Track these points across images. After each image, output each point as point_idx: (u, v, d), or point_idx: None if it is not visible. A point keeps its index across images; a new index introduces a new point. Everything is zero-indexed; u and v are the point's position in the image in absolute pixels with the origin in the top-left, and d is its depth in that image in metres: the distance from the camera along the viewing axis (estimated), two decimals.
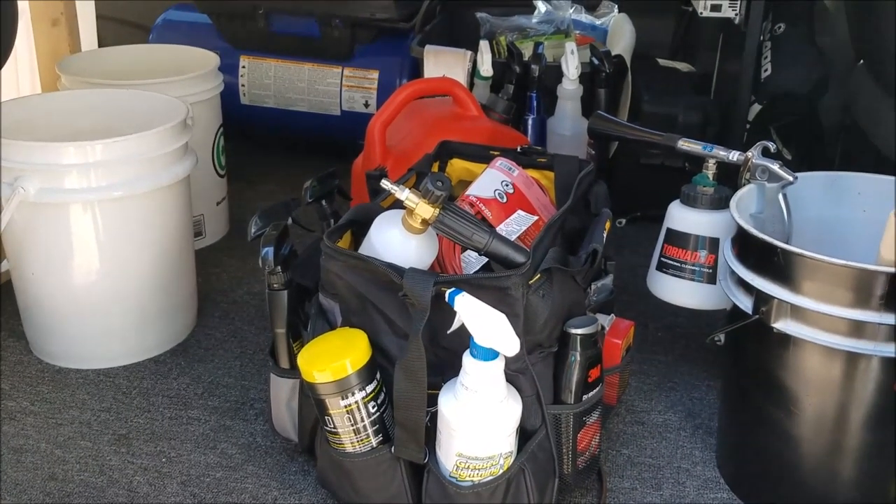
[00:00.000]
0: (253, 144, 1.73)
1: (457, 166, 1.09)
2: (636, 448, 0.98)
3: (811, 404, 0.82)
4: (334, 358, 0.81)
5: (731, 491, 0.92)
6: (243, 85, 1.64)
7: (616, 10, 1.64)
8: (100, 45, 1.83)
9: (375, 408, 0.83)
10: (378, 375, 0.84)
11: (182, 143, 1.12)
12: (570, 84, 1.35)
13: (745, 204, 0.91)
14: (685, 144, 1.01)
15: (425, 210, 0.81)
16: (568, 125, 1.37)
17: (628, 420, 1.03)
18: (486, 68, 1.38)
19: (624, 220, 1.43)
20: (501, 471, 0.80)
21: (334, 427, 0.84)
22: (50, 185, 1.03)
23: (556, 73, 1.36)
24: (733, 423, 0.93)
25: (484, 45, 1.39)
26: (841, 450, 0.82)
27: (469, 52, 1.41)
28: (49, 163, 1.03)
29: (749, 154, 0.93)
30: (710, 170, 1.00)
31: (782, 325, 0.80)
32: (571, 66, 1.34)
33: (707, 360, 1.12)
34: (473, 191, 0.98)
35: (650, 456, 0.97)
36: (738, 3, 1.38)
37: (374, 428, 0.83)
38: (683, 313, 1.10)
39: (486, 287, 0.79)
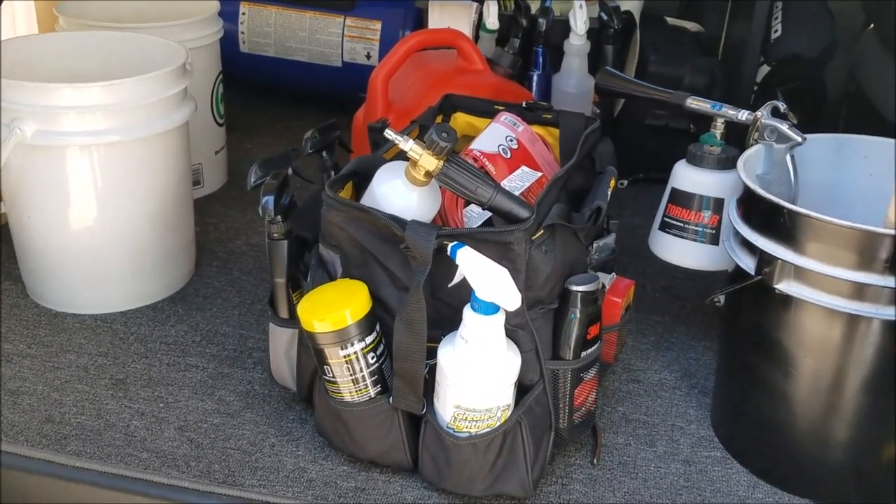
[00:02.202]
0: (252, 94, 1.71)
1: (460, 120, 1.08)
2: (631, 405, 0.99)
3: (809, 366, 0.83)
4: (334, 308, 0.81)
5: (725, 449, 0.93)
6: (243, 32, 1.61)
7: None
8: None
9: (374, 359, 0.83)
10: (378, 327, 0.83)
11: (181, 88, 1.10)
12: (578, 39, 1.33)
13: (751, 164, 0.90)
14: (694, 102, 1.00)
15: (429, 162, 0.80)
16: (574, 82, 1.35)
17: (624, 378, 1.03)
18: (491, 21, 1.36)
19: (626, 182, 1.42)
20: (498, 423, 0.81)
21: (333, 377, 0.84)
22: (47, 128, 1.02)
23: (563, 27, 1.34)
24: (729, 383, 0.93)
25: None
26: (836, 412, 0.83)
27: (475, 4, 1.38)
28: (46, 104, 1.01)
29: (758, 114, 0.92)
30: (718, 129, 0.99)
31: (785, 286, 0.80)
32: (579, 21, 1.31)
33: (704, 321, 1.12)
34: (477, 145, 0.97)
35: (645, 413, 0.98)
36: None
37: (373, 378, 0.84)
38: (682, 275, 1.10)
39: (488, 241, 0.78)
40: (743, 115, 0.95)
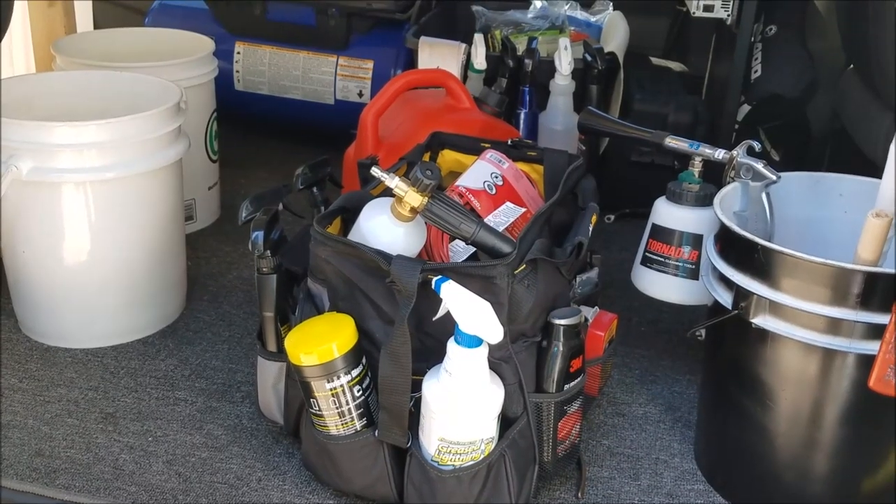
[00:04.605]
0: (246, 131, 1.74)
1: (448, 157, 1.10)
2: (616, 439, 1.00)
3: (787, 399, 0.84)
4: (321, 341, 0.83)
5: (707, 482, 0.94)
6: (238, 71, 1.64)
7: (611, 8, 1.65)
8: (95, 28, 1.83)
9: (360, 392, 0.84)
10: (364, 360, 0.85)
11: (175, 126, 1.13)
12: (563, 79, 1.36)
13: (728, 202, 0.92)
14: (672, 142, 1.03)
15: (414, 198, 0.82)
16: (559, 120, 1.38)
17: (609, 412, 1.04)
18: (479, 61, 1.39)
19: (613, 217, 1.44)
20: (482, 456, 0.82)
21: (319, 410, 0.85)
22: (42, 165, 1.04)
23: (549, 68, 1.37)
24: (711, 416, 0.95)
25: (478, 38, 1.40)
26: (814, 444, 0.84)
27: (463, 45, 1.42)
28: (42, 142, 1.04)
29: (734, 153, 0.95)
30: (696, 167, 1.02)
31: (761, 320, 0.82)
32: (564, 62, 1.35)
33: (688, 354, 1.14)
34: (463, 182, 1.00)
35: (629, 447, 0.99)
36: (731, 4, 1.40)
37: (359, 412, 0.85)
38: (667, 309, 1.12)
39: (472, 275, 0.80)
40: (719, 154, 0.98)
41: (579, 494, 0.91)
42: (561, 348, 0.85)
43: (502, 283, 0.80)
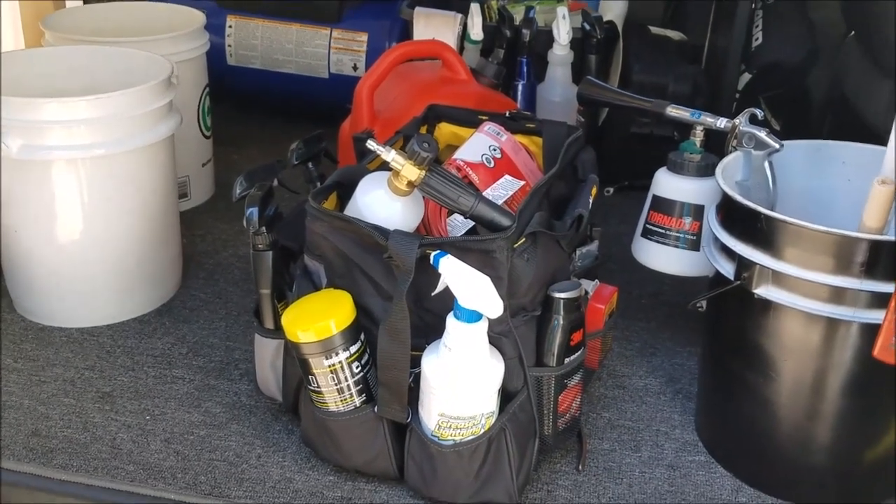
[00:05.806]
0: (240, 106, 1.72)
1: (445, 130, 1.09)
2: (616, 411, 1.00)
3: (789, 370, 0.83)
4: (319, 318, 0.82)
5: (709, 454, 0.93)
6: (230, 45, 1.62)
7: None
8: (85, 2, 1.79)
9: (359, 368, 0.84)
10: (362, 336, 0.84)
11: (166, 101, 1.11)
12: (561, 49, 1.34)
13: (730, 171, 0.91)
14: (673, 111, 1.01)
15: (411, 171, 0.81)
16: (558, 91, 1.36)
17: (610, 384, 1.04)
18: (476, 32, 1.37)
19: (612, 189, 1.43)
20: (483, 430, 0.81)
21: (318, 387, 0.84)
22: (33, 142, 1.02)
23: (546, 38, 1.35)
24: (712, 387, 0.94)
25: (475, 8, 1.38)
26: (817, 415, 0.84)
27: (459, 15, 1.39)
28: (32, 119, 1.02)
29: (736, 121, 0.93)
30: (698, 137, 1.00)
31: (763, 290, 0.81)
32: (562, 32, 1.33)
33: (689, 326, 1.13)
34: (460, 155, 0.98)
35: (630, 419, 0.98)
36: None
37: (358, 388, 0.84)
38: (668, 281, 1.11)
39: (470, 250, 0.79)
40: (721, 123, 0.96)
41: (580, 467, 0.91)
42: (561, 322, 0.84)
43: (501, 257, 0.79)
